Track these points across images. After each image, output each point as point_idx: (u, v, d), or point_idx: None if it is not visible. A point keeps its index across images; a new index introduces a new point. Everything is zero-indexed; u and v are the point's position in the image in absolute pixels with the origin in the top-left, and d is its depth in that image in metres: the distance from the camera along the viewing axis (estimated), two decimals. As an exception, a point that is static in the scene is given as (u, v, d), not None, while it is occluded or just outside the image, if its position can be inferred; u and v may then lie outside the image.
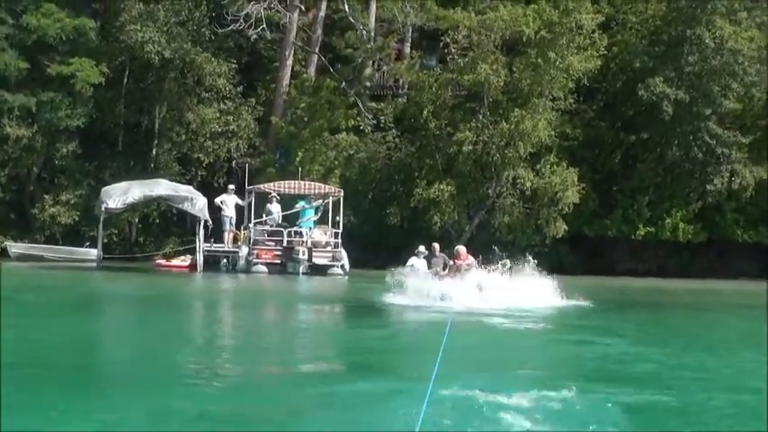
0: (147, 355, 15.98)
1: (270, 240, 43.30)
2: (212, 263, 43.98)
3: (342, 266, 42.51)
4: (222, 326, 22.92)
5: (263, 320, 24.13)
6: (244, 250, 43.17)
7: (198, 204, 42.38)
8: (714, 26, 52.18)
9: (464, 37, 51.36)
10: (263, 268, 41.85)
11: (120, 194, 42.92)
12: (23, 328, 18.51)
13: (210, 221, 42.94)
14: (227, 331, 21.54)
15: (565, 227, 51.16)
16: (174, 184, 45.94)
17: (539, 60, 50.79)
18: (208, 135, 52.73)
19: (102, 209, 42.88)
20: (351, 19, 53.94)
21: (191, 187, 46.05)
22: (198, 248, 42.52)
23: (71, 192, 52.07)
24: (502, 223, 50.57)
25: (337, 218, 45.02)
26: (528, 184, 51.19)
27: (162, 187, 44.03)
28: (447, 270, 26.53)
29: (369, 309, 25.21)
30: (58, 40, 51.57)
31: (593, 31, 51.09)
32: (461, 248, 27.15)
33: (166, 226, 53.16)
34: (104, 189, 44.78)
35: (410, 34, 57.31)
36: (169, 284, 36.52)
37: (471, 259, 26.05)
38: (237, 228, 45.47)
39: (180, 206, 43.84)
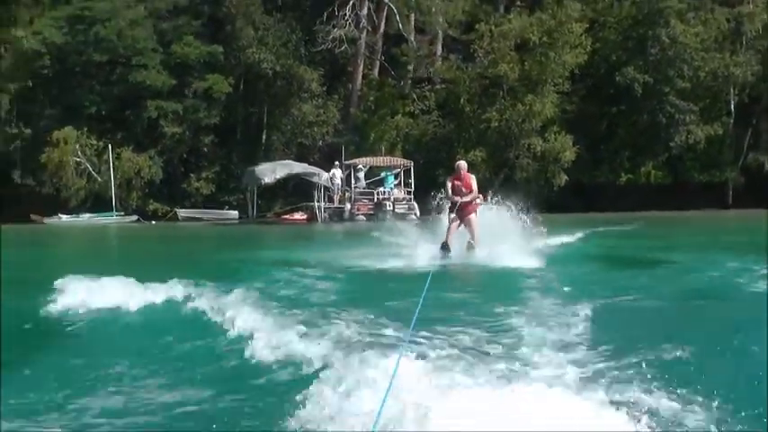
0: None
1: (365, 198, 63.13)
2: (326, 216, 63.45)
3: (415, 214, 61.86)
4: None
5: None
6: (348, 206, 62.94)
7: (323, 177, 62.59)
8: (669, 26, 71.33)
9: (487, 44, 71.17)
10: (362, 218, 61.21)
11: (270, 173, 63.28)
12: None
13: (331, 186, 62.90)
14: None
15: (566, 177, 70.63)
16: (301, 163, 65.93)
17: (542, 58, 70.45)
18: (306, 124, 72.52)
19: (262, 183, 63.03)
20: (404, 34, 73.75)
21: (313, 166, 66.01)
22: (320, 207, 62.43)
23: (209, 170, 72.27)
24: (521, 177, 70.02)
25: (409, 180, 64.81)
26: (538, 148, 70.74)
27: (296, 167, 64.37)
28: (451, 190, 24.09)
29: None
30: (196, 62, 71.52)
31: (581, 35, 70.59)
32: (462, 164, 24.95)
33: (274, 191, 72.67)
34: (258, 169, 64.90)
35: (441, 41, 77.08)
36: (314, 228, 55.82)
37: (472, 180, 24.03)
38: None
39: (310, 179, 63.84)
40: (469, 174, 24.41)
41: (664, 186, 72.19)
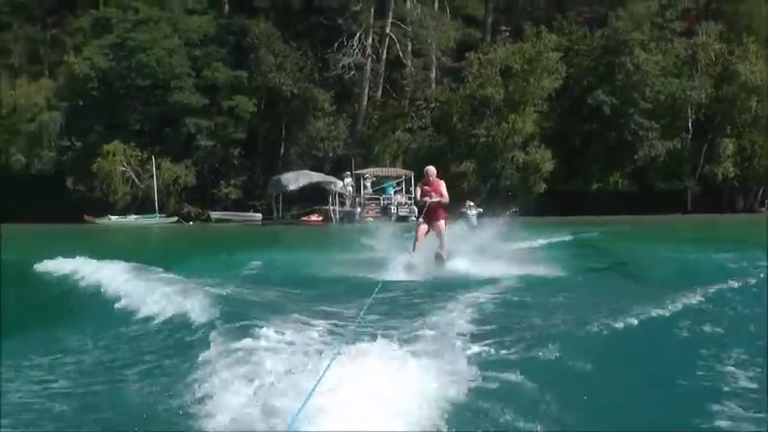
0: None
1: (372, 203, 74.38)
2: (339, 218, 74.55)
3: (414, 216, 72.59)
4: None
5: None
6: (358, 209, 74.03)
7: (338, 185, 73.96)
8: (633, 54, 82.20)
9: (476, 70, 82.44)
10: (370, 219, 71.86)
11: (294, 181, 74.76)
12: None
13: (345, 193, 74.21)
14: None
15: (545, 186, 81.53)
16: (318, 173, 77.24)
17: (524, 82, 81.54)
18: (319, 139, 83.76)
19: (287, 190, 74.43)
20: (404, 61, 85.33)
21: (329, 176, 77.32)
22: (334, 210, 73.64)
23: (237, 178, 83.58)
24: (505, 186, 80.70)
25: (410, 188, 75.80)
26: (521, 161, 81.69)
27: (315, 176, 75.87)
28: (420, 194, 24.18)
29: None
30: (224, 85, 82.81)
31: (557, 62, 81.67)
32: (430, 169, 24.12)
33: (290, 197, 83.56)
34: (282, 177, 76.66)
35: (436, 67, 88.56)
36: (332, 229, 66.61)
37: (441, 185, 23.75)
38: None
39: (327, 186, 75.07)
40: (439, 180, 24.24)
41: (630, 194, 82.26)
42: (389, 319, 13.21)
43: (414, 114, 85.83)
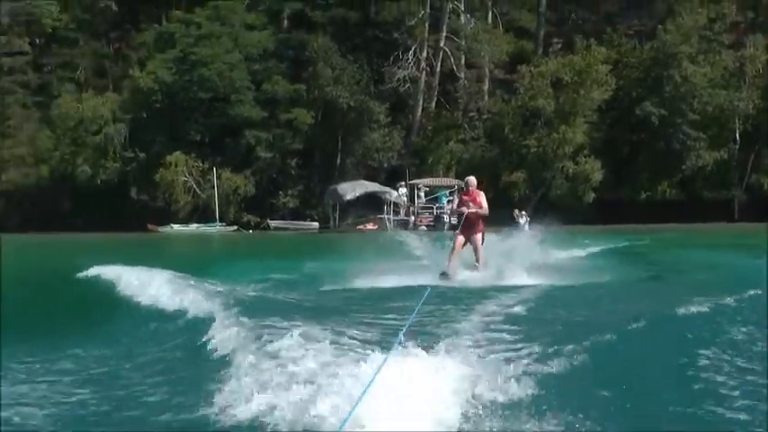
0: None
1: (426, 211, 76.93)
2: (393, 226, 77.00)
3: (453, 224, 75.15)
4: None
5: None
6: (412, 218, 76.53)
7: (393, 195, 76.61)
8: (682, 67, 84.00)
9: (527, 82, 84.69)
10: (424, 228, 74.49)
11: (351, 191, 77.52)
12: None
13: (400, 203, 76.76)
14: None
15: (594, 195, 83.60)
16: (374, 183, 79.85)
17: (574, 94, 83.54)
18: (374, 150, 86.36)
19: (344, 200, 77.11)
20: (457, 73, 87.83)
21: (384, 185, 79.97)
22: (388, 218, 76.16)
23: (294, 188, 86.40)
24: (554, 195, 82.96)
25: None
26: (571, 171, 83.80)
27: (370, 186, 78.56)
28: (457, 203, 24.97)
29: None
30: (283, 98, 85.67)
31: (606, 75, 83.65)
32: (471, 179, 24.29)
33: (346, 206, 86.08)
34: (340, 187, 79.62)
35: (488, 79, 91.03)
36: (389, 236, 68.88)
37: (481, 196, 23.60)
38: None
39: (381, 196, 77.70)
40: (479, 190, 24.05)
41: (678, 202, 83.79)
42: (426, 325, 13.09)
43: (467, 125, 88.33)
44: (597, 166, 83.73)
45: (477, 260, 23.13)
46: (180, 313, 14.89)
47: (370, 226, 77.93)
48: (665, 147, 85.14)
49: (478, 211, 23.24)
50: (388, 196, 77.70)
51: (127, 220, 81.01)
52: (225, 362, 10.56)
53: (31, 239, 70.32)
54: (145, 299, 17.12)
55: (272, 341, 10.55)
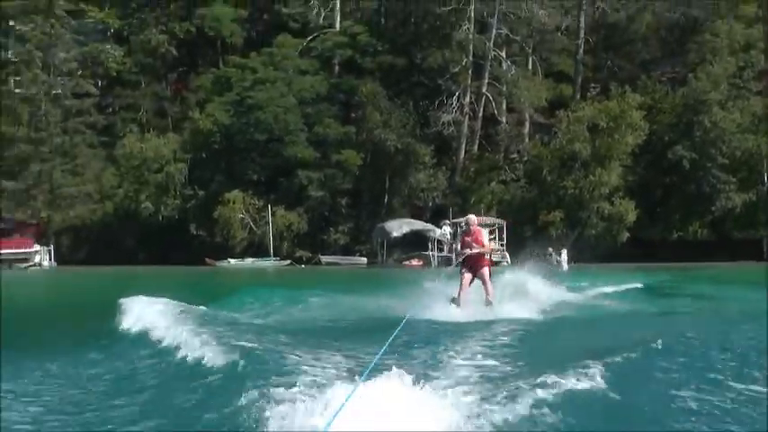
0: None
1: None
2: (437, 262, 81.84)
3: (506, 261, 79.63)
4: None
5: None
6: (454, 255, 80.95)
7: (437, 232, 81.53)
8: (712, 113, 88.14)
9: (565, 126, 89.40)
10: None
11: (398, 228, 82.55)
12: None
13: (444, 240, 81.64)
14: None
15: (628, 234, 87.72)
16: (419, 221, 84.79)
17: (609, 138, 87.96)
18: (420, 189, 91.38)
19: (391, 237, 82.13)
20: (498, 118, 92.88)
21: (427, 223, 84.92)
22: (433, 255, 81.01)
23: (344, 225, 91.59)
24: (590, 234, 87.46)
25: (502, 235, 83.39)
26: (606, 211, 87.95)
27: (416, 224, 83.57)
28: (460, 245, 24.86)
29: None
30: (334, 140, 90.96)
31: (640, 120, 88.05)
32: (471, 218, 25.05)
33: (393, 242, 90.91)
34: (387, 225, 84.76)
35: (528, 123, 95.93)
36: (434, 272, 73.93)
37: (481, 234, 24.45)
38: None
39: (426, 234, 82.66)
40: (479, 228, 24.84)
41: (709, 242, 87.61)
42: (421, 355, 14.33)
43: (507, 167, 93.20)
44: (631, 206, 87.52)
45: (488, 292, 23.60)
46: (171, 348, 15.81)
47: (415, 262, 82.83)
48: (695, 189, 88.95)
49: (481, 250, 24.05)
50: (432, 234, 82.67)
51: (186, 255, 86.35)
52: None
53: (90, 271, 76.17)
54: (139, 327, 19.02)
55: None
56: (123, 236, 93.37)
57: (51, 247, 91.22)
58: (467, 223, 24.86)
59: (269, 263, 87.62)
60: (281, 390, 10.03)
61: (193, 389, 12.33)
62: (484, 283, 23.63)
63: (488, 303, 23.26)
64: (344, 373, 11.83)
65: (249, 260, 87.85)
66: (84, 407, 12.81)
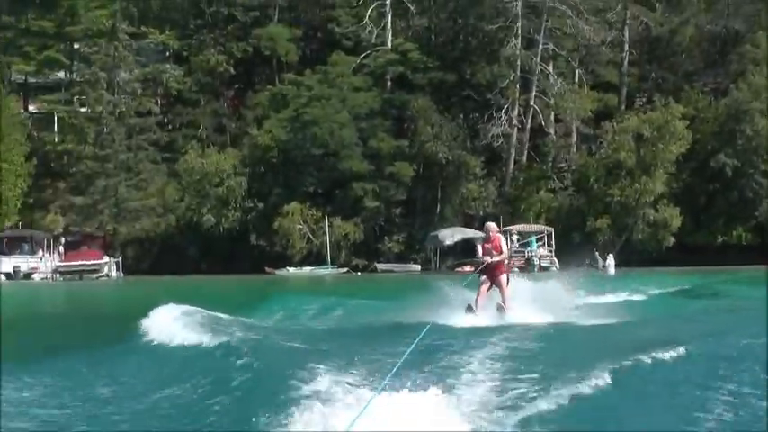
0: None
1: (518, 255, 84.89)
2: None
3: (555, 267, 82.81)
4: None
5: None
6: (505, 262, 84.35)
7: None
8: (753, 122, 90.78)
9: (610, 137, 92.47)
10: (517, 270, 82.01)
11: (450, 237, 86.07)
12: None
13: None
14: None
15: (673, 239, 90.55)
16: (470, 229, 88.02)
17: (654, 148, 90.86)
18: (470, 199, 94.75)
19: (444, 245, 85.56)
20: (546, 129, 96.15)
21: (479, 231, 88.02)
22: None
23: (399, 234, 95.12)
24: (637, 240, 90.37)
25: (551, 242, 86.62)
26: (651, 217, 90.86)
27: (468, 232, 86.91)
28: (481, 253, 24.90)
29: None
30: (387, 153, 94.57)
31: (683, 130, 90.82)
32: (490, 225, 25.58)
33: (446, 250, 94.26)
34: (440, 233, 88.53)
35: (575, 134, 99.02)
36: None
37: (500, 240, 24.79)
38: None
39: (477, 242, 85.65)
40: (499, 235, 25.25)
41: (752, 246, 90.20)
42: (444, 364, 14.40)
43: (555, 177, 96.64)
44: (676, 212, 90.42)
45: (503, 300, 23.99)
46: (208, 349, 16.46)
47: (467, 268, 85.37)
48: (738, 195, 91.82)
49: (500, 258, 24.69)
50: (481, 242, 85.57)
51: (248, 264, 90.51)
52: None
53: (150, 280, 79.52)
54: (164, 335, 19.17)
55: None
56: (186, 246, 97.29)
57: (119, 259, 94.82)
58: (486, 230, 25.52)
59: (326, 271, 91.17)
60: (298, 393, 10.58)
61: (210, 393, 12.86)
62: (501, 289, 24.19)
63: (500, 309, 23.73)
64: (367, 379, 12.15)
65: (307, 269, 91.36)
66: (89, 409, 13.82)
